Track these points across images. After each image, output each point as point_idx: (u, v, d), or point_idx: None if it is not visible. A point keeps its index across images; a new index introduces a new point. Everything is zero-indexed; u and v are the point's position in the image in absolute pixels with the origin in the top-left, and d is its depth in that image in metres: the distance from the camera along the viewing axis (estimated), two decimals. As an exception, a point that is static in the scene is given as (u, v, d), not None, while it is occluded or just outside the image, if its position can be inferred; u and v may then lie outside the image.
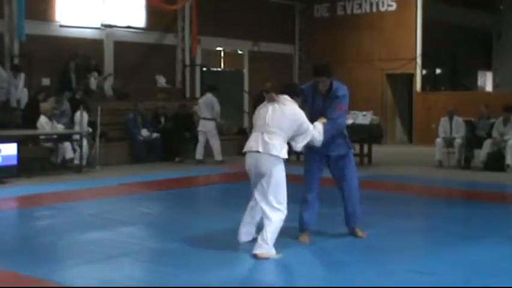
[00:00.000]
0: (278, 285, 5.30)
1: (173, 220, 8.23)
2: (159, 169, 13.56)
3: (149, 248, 6.72)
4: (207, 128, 14.92)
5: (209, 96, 15.13)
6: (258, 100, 17.42)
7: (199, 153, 14.99)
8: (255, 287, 5.26)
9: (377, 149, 15.28)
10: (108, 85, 16.72)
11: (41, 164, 12.83)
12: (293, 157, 15.39)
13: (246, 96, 20.53)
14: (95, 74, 16.40)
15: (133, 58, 18.06)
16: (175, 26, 19.35)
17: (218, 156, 14.93)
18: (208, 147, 15.15)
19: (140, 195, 10.26)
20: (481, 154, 13.55)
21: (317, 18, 22.67)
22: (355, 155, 14.26)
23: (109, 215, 8.41)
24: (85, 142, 13.16)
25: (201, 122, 15.08)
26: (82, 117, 13.16)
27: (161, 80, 18.75)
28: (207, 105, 14.96)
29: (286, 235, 6.96)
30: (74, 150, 13.11)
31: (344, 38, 21.81)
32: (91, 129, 13.60)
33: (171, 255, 6.33)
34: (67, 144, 13.05)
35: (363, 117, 14.58)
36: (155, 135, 15.14)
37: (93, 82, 16.18)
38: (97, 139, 13.66)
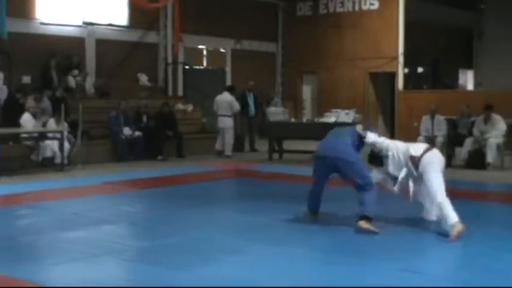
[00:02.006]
0: (264, 285, 5.28)
1: (156, 218, 8.20)
2: (141, 167, 13.52)
3: (133, 246, 6.69)
4: (225, 124, 16.02)
5: (226, 95, 16.29)
6: (241, 99, 17.61)
7: (219, 144, 16.19)
8: (239, 287, 5.24)
9: (359, 147, 15.29)
10: (89, 83, 16.64)
11: (22, 163, 12.74)
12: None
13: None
14: (76, 72, 16.31)
15: (115, 56, 17.97)
16: (157, 24, 19.29)
17: (228, 151, 15.94)
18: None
19: (123, 193, 10.19)
20: (462, 152, 13.63)
21: (300, 17, 22.69)
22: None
23: (91, 213, 8.35)
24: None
25: (219, 118, 16.16)
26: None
27: (144, 78, 18.69)
28: (225, 103, 16.13)
29: (277, 231, 6.99)
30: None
31: (326, 37, 21.85)
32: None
33: (155, 253, 6.30)
34: (48, 143, 12.97)
35: (346, 116, 14.58)
36: (137, 133, 15.08)
37: (72, 80, 16.08)
38: (79, 137, 13.57)
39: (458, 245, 6.56)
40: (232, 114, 16.29)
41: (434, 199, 7.20)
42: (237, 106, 16.39)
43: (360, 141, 7.86)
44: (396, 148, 7.68)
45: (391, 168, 7.60)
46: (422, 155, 7.39)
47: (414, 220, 8.44)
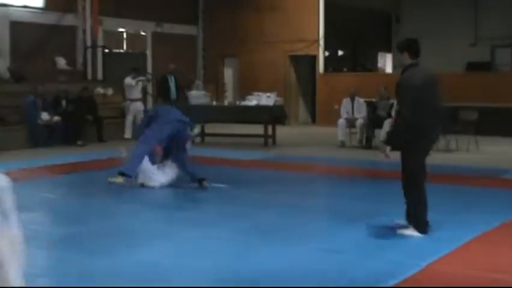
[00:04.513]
0: (186, 267, 5.26)
1: (75, 205, 8.05)
2: (61, 153, 13.22)
3: (51, 233, 6.54)
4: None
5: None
6: (161, 82, 17.42)
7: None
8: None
9: (281, 130, 15.43)
10: (4, 67, 16.11)
11: None
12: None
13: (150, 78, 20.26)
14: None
15: (32, 39, 17.47)
16: (76, 6, 18.84)
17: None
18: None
19: (41, 180, 9.96)
20: (381, 134, 13.89)
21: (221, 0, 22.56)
22: (260, 135, 14.53)
23: (8, 201, 8.10)
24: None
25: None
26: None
27: (62, 62, 18.24)
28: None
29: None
30: None
31: (247, 19, 21.84)
32: None
33: (74, 240, 6.19)
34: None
35: (267, 99, 14.67)
36: (56, 118, 14.74)
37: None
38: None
39: (372, 223, 6.66)
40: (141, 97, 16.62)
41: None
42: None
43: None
44: None
45: None
46: None
47: (322, 200, 8.61)
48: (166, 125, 9.00)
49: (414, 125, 6.05)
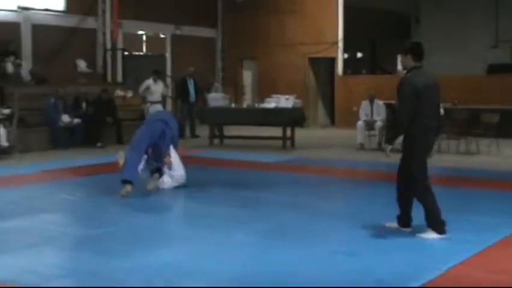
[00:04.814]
0: (202, 270, 5.27)
1: (95, 206, 8.09)
2: (81, 155, 13.30)
3: (72, 235, 6.58)
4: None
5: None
6: (180, 84, 17.51)
7: None
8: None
9: (299, 132, 15.41)
10: (26, 70, 16.26)
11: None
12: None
13: (168, 81, 20.35)
14: (12, 58, 15.92)
15: (52, 42, 17.61)
16: (96, 9, 18.96)
17: None
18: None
19: (61, 181, 10.02)
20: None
21: (239, 2, 22.56)
22: (278, 138, 14.50)
23: (29, 202, 8.19)
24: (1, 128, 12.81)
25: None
26: None
27: (82, 64, 18.37)
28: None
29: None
30: None
31: (266, 22, 21.84)
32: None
33: (94, 241, 6.22)
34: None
35: (286, 101, 14.66)
36: (76, 120, 14.85)
37: (10, 67, 15.71)
38: (15, 124, 13.28)
39: (386, 227, 6.64)
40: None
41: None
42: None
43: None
44: None
45: None
46: None
47: (340, 203, 8.59)
48: (149, 126, 9.10)
49: (413, 126, 6.10)
